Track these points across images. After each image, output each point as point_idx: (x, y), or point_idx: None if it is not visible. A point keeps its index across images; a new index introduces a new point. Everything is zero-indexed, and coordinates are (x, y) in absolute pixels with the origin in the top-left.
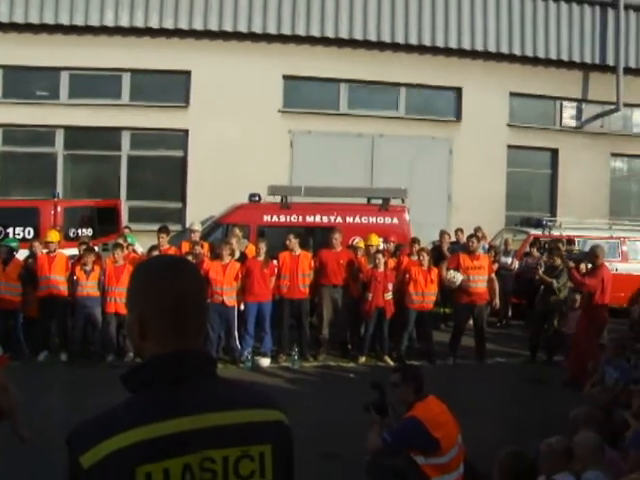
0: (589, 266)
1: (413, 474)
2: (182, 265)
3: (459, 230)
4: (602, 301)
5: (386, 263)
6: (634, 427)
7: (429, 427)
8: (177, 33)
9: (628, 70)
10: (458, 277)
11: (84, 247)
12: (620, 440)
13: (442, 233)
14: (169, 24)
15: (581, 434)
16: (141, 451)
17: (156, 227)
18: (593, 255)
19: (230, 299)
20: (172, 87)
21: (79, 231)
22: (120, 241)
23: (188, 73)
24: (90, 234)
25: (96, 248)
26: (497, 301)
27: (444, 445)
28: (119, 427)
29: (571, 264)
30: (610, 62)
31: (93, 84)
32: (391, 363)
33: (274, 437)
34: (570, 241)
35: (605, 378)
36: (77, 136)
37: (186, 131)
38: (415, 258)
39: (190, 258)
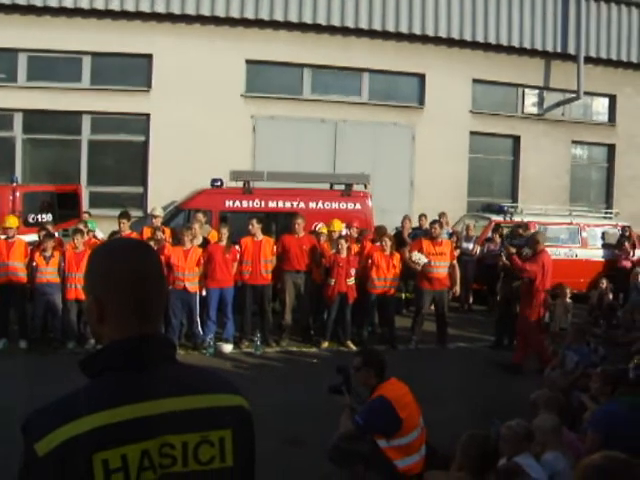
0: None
1: (376, 458)
2: (140, 248)
3: (422, 216)
4: (543, 287)
5: (349, 248)
6: (591, 409)
7: (396, 406)
8: (139, 16)
9: (589, 59)
10: (422, 259)
11: (44, 233)
12: (578, 422)
13: (404, 218)
14: (130, 6)
15: (540, 416)
16: (97, 438)
17: (117, 212)
18: (534, 241)
19: (192, 285)
20: (133, 71)
21: (39, 217)
22: (80, 227)
23: (150, 57)
24: (50, 220)
25: (56, 234)
26: (457, 288)
27: (407, 426)
28: (75, 414)
29: (512, 250)
30: (571, 51)
31: (52, 67)
32: (354, 348)
33: (234, 422)
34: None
35: (565, 362)
36: (36, 120)
37: (148, 115)
38: (378, 244)
39: (152, 244)
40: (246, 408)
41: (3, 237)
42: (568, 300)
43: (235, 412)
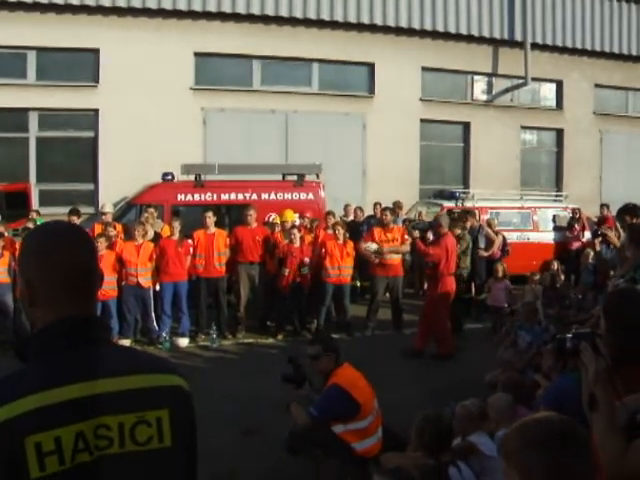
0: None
1: (333, 443)
2: (73, 231)
3: (377, 204)
4: (448, 270)
5: (302, 238)
6: (544, 386)
7: (351, 391)
8: (84, 9)
9: (535, 45)
10: (372, 247)
11: None
12: (533, 400)
13: (345, 207)
14: (75, 0)
15: (494, 395)
16: (30, 421)
17: (68, 210)
18: (437, 225)
19: (145, 280)
20: (80, 65)
21: None
22: (30, 225)
23: (97, 51)
24: None
25: (6, 234)
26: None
27: (364, 410)
28: (7, 398)
29: (416, 234)
30: (518, 37)
31: None
32: (310, 337)
33: (172, 402)
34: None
35: (518, 341)
36: None
37: (96, 111)
38: (330, 232)
39: (103, 240)
40: (184, 388)
41: None
42: (537, 286)
43: (172, 392)
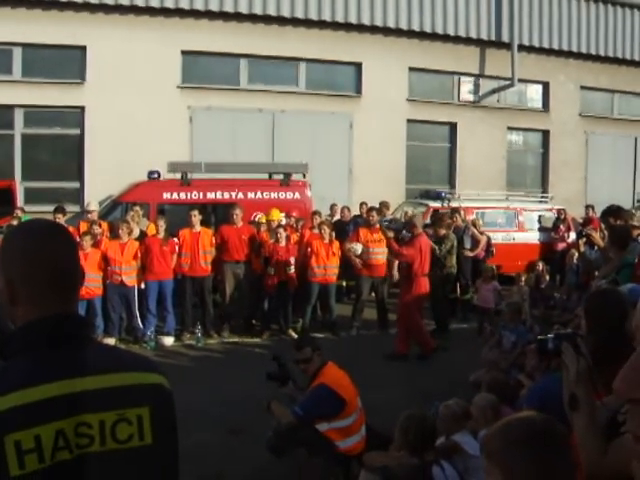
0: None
1: (317, 441)
2: (54, 229)
3: (363, 204)
4: (422, 271)
5: (288, 237)
6: (528, 386)
7: (336, 389)
8: (71, 6)
9: (522, 47)
10: (357, 248)
11: None
12: (516, 400)
13: (331, 207)
14: None
15: (478, 395)
16: (9, 419)
17: (53, 208)
18: (411, 225)
19: (130, 279)
20: (67, 62)
21: None
22: (14, 223)
23: (83, 48)
24: None
25: None
26: (395, 272)
27: (347, 408)
28: None
29: (390, 234)
30: (505, 39)
31: None
32: (295, 336)
33: (152, 400)
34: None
35: (502, 342)
36: None
37: (82, 108)
38: (316, 231)
39: (88, 238)
40: (165, 386)
41: None
42: (525, 287)
43: (153, 390)
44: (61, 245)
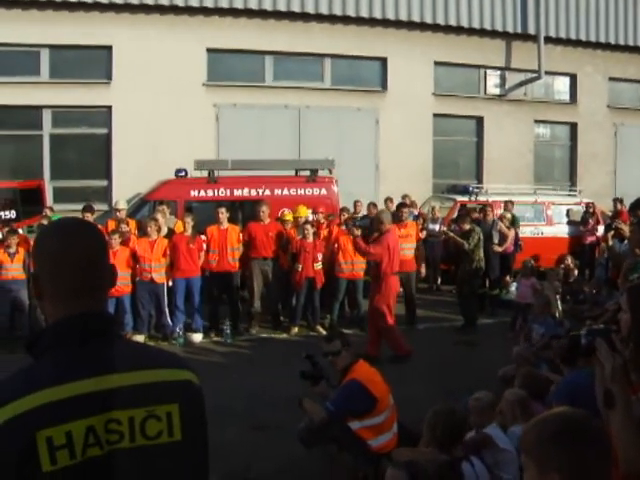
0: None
1: (348, 439)
2: (82, 227)
3: (389, 199)
4: (390, 270)
5: (316, 233)
6: (556, 381)
7: (368, 386)
8: (97, 7)
9: (549, 39)
10: None
11: (7, 229)
12: (546, 395)
13: (355, 203)
14: None
15: (508, 390)
16: (41, 415)
17: (82, 207)
18: (378, 221)
19: (159, 276)
20: (93, 63)
21: (2, 214)
22: (44, 222)
23: (109, 48)
24: (13, 216)
25: (20, 230)
26: (422, 269)
27: (379, 405)
28: (19, 392)
29: (357, 232)
30: (531, 31)
31: (10, 61)
32: (323, 332)
33: (181, 397)
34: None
35: (532, 335)
36: None
37: (109, 107)
38: (344, 227)
39: (116, 236)
40: (194, 383)
41: None
42: (556, 282)
43: (182, 387)
44: (88, 244)
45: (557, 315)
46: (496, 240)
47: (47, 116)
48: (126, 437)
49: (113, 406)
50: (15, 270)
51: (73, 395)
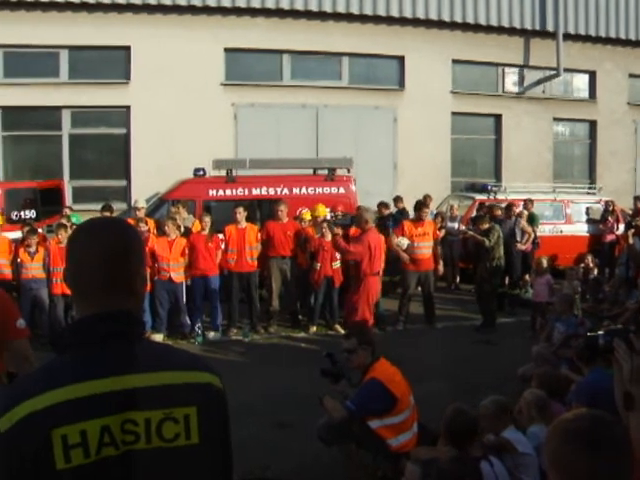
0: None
1: (367, 438)
2: (113, 225)
3: (399, 198)
4: (371, 270)
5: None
6: (576, 381)
7: (388, 386)
8: (114, 8)
9: (567, 36)
10: (404, 242)
11: (27, 229)
12: (566, 394)
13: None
14: None
15: (528, 390)
16: (57, 413)
17: (101, 206)
18: (362, 219)
19: (177, 275)
20: (112, 63)
21: (22, 213)
22: (64, 221)
23: (128, 48)
24: (33, 216)
25: (40, 230)
26: (440, 267)
27: (400, 404)
28: (35, 390)
29: (337, 230)
30: (550, 28)
31: (29, 62)
32: (342, 331)
33: (201, 399)
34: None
35: (553, 334)
36: (15, 116)
37: (128, 107)
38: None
39: None
40: (215, 386)
41: None
42: (576, 281)
43: (202, 389)
44: (110, 243)
45: (577, 314)
46: (519, 238)
47: (66, 116)
48: (142, 438)
49: (130, 407)
50: (35, 269)
51: (90, 394)
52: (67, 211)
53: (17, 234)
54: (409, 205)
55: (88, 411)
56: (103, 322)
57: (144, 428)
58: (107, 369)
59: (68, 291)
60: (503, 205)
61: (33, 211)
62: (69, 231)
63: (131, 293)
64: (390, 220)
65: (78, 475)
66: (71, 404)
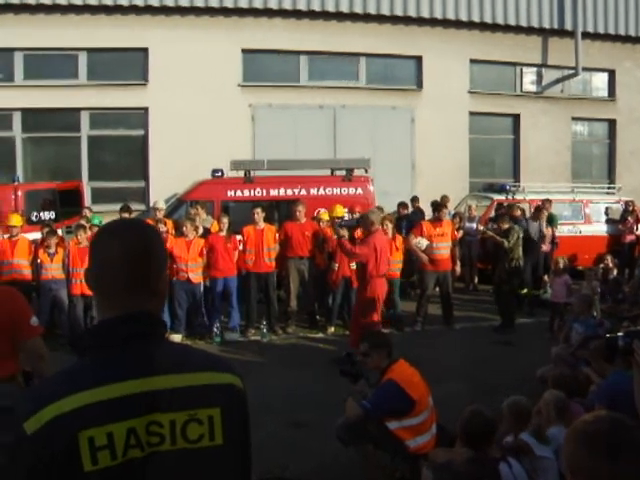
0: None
1: (385, 439)
2: (134, 227)
3: (415, 198)
4: (377, 272)
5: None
6: (596, 382)
7: (406, 387)
8: (132, 10)
9: (586, 35)
10: (423, 242)
11: (46, 230)
12: (586, 395)
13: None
14: (124, 1)
15: (547, 392)
16: (83, 416)
17: (119, 207)
18: (368, 221)
19: (196, 276)
20: (130, 65)
21: (41, 215)
22: (83, 222)
23: (145, 50)
24: (53, 217)
25: (59, 231)
26: (458, 268)
27: (418, 406)
28: (61, 392)
29: (342, 232)
30: (568, 27)
31: (49, 64)
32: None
33: (224, 400)
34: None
35: (571, 335)
36: (35, 118)
37: (146, 109)
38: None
39: None
40: (237, 387)
41: (7, 236)
42: (595, 281)
43: (225, 390)
44: (138, 243)
45: (595, 315)
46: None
47: (85, 118)
48: (167, 440)
49: (155, 409)
50: (55, 270)
51: (115, 397)
52: (87, 212)
53: (37, 235)
54: (426, 206)
55: (114, 413)
56: (124, 324)
57: (169, 430)
58: (131, 371)
59: (87, 291)
60: (522, 205)
61: (52, 212)
62: (88, 232)
63: (153, 294)
64: (404, 221)
65: (105, 477)
66: (97, 406)
